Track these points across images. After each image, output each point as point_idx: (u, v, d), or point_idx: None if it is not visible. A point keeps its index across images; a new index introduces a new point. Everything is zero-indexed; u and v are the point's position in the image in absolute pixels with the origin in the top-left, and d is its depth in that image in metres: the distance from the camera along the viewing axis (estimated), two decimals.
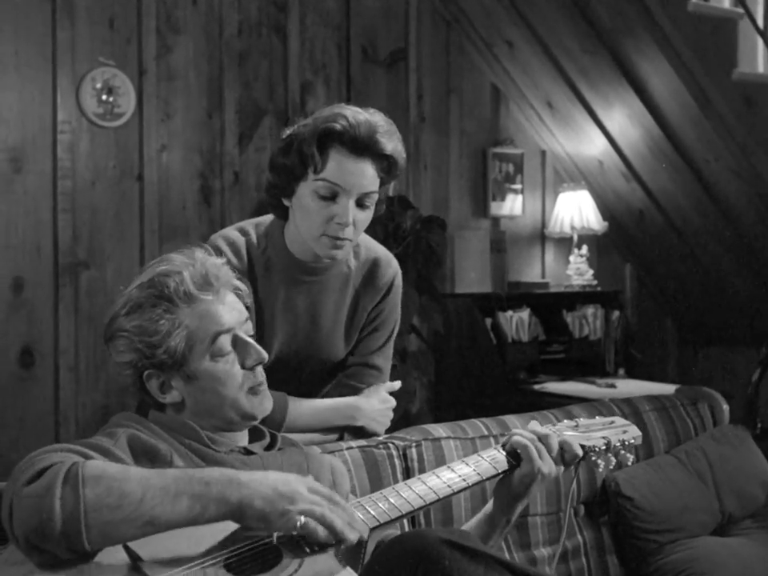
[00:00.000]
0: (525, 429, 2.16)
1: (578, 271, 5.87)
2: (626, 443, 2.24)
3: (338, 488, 2.07)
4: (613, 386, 5.18)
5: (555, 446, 2.11)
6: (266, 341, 2.42)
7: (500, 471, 2.08)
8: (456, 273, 5.62)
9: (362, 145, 2.26)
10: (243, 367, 1.96)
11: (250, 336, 2.01)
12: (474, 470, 2.05)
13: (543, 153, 6.01)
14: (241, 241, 2.44)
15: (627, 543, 2.80)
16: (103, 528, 1.57)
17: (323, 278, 2.47)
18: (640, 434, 2.29)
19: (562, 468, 2.14)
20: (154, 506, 1.59)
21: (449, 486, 1.99)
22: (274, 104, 4.93)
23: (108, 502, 1.57)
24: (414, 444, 2.58)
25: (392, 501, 1.89)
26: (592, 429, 2.26)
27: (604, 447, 2.19)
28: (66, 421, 4.34)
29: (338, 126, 2.25)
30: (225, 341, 1.94)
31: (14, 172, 4.28)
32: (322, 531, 1.65)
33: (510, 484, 2.09)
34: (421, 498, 1.93)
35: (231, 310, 1.97)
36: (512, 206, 5.89)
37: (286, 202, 2.39)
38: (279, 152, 2.35)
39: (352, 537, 1.68)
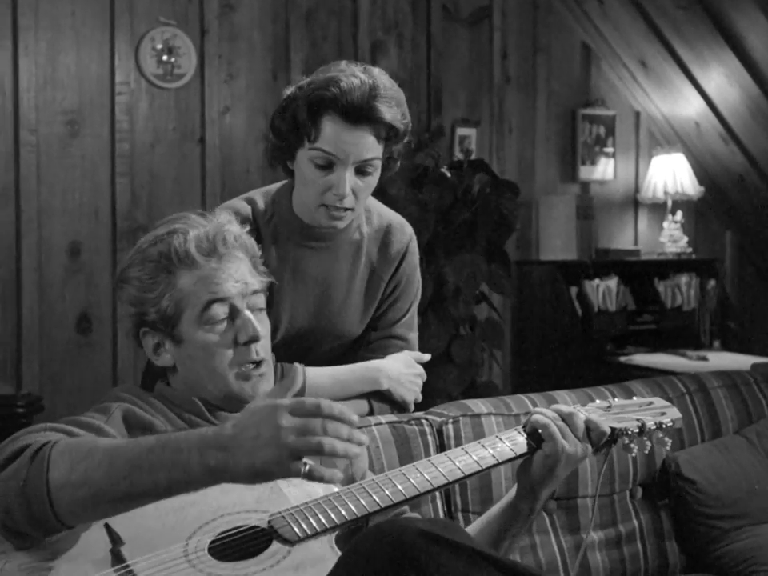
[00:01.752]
0: (548, 408, 1.99)
1: (672, 238, 5.72)
2: (664, 426, 2.06)
3: (353, 467, 1.97)
4: (704, 358, 5.03)
5: (580, 425, 1.94)
6: (276, 314, 2.33)
7: (518, 454, 1.92)
8: (540, 240, 5.52)
9: (357, 112, 2.14)
10: (236, 342, 1.85)
11: (259, 309, 1.89)
12: (491, 452, 1.90)
13: (637, 114, 5.85)
14: (247, 210, 2.34)
15: (688, 528, 2.65)
16: (71, 507, 1.51)
17: (333, 244, 2.36)
18: (680, 416, 2.12)
19: (590, 448, 1.96)
20: (123, 479, 1.49)
21: (460, 470, 1.85)
22: None
23: (73, 479, 1.51)
24: (450, 420, 2.46)
25: (398, 485, 1.75)
26: (626, 410, 2.10)
27: (637, 430, 2.03)
28: None
29: (329, 94, 2.14)
30: (218, 310, 1.84)
31: (72, 135, 4.25)
32: (326, 472, 1.49)
33: (532, 467, 1.93)
34: (429, 481, 1.79)
35: (235, 280, 1.86)
36: (603, 170, 5.76)
37: (290, 165, 2.30)
38: (277, 115, 2.26)
39: (356, 451, 1.50)
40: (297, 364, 2.30)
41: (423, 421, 2.43)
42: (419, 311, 4.24)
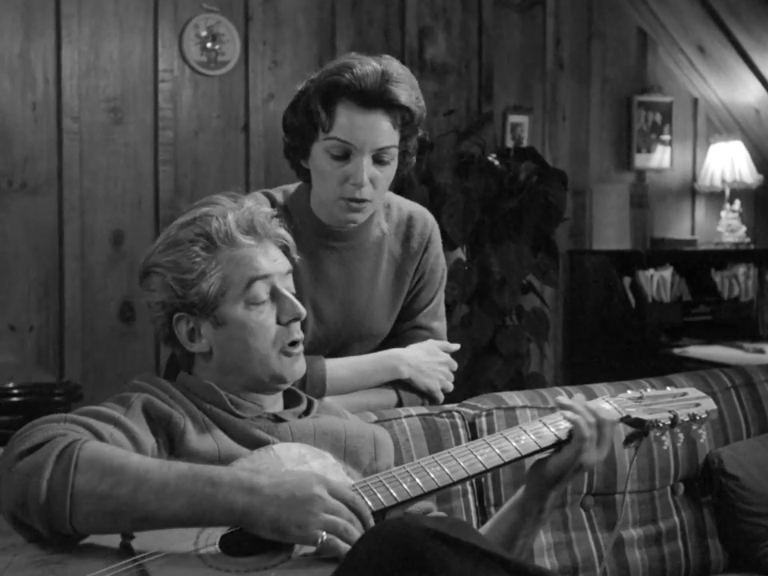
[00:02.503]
0: (586, 408, 1.91)
1: (730, 228, 5.61)
2: (698, 417, 2.01)
3: (378, 461, 1.93)
4: (762, 351, 4.93)
5: (611, 436, 1.88)
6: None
7: (542, 447, 1.85)
8: (593, 229, 5.43)
9: (372, 97, 2.10)
10: (278, 322, 1.83)
11: (292, 293, 1.87)
12: (515, 445, 1.83)
13: (695, 101, 5.75)
14: (268, 204, 2.28)
15: (731, 527, 2.57)
16: (89, 517, 1.51)
17: (354, 243, 2.32)
18: (715, 407, 2.07)
19: (604, 455, 1.90)
20: (148, 501, 1.50)
21: (481, 463, 1.79)
22: (389, 51, 4.59)
23: (99, 490, 1.50)
24: (484, 413, 2.40)
25: (416, 479, 1.70)
26: (659, 401, 2.03)
27: (669, 422, 1.96)
28: None
29: (343, 79, 2.11)
30: (261, 288, 1.82)
31: (115, 123, 4.24)
32: (343, 549, 1.50)
33: (545, 468, 1.87)
34: (448, 475, 1.74)
35: (272, 260, 1.84)
36: (660, 158, 5.66)
37: (304, 165, 2.26)
38: (289, 111, 2.22)
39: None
40: (319, 356, 2.27)
41: (455, 413, 2.38)
42: (464, 301, 4.23)
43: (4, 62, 4.02)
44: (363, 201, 2.18)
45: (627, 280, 5.19)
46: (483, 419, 2.39)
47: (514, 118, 5.18)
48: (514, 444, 1.83)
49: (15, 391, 3.36)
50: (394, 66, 2.16)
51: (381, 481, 1.67)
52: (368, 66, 2.12)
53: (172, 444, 1.74)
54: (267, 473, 1.55)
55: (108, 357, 4.23)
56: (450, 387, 2.43)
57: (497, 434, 1.86)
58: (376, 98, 2.11)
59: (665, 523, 2.55)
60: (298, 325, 1.85)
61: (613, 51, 5.48)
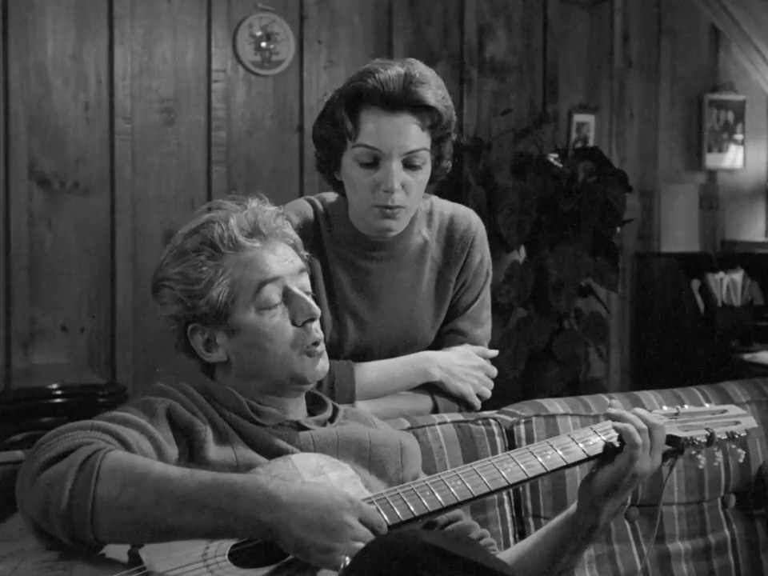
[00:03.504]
0: (634, 414, 1.84)
1: None
2: (736, 436, 1.92)
3: (404, 470, 1.88)
4: None
5: (662, 440, 1.80)
6: (342, 327, 2.27)
7: (591, 455, 1.79)
8: (662, 230, 5.31)
9: (396, 100, 2.07)
10: (294, 324, 1.78)
11: (306, 293, 1.82)
12: (560, 453, 1.77)
13: None
14: (309, 211, 2.28)
15: None
16: (111, 527, 1.49)
17: (393, 253, 2.28)
18: (755, 425, 1.98)
19: (658, 464, 1.82)
20: (170, 514, 1.48)
21: (524, 471, 1.74)
22: (447, 49, 4.72)
23: (120, 502, 1.48)
24: (522, 420, 2.33)
25: (435, 493, 1.66)
26: (695, 418, 1.95)
27: (705, 440, 1.88)
28: None
29: (366, 85, 2.08)
30: (271, 291, 1.77)
31: (167, 124, 4.24)
32: None
33: (596, 480, 1.79)
34: (469, 490, 1.68)
35: (282, 260, 1.79)
36: (732, 158, 5.54)
37: (337, 177, 2.22)
38: (317, 123, 2.20)
39: None
40: (347, 361, 2.24)
41: (491, 420, 2.30)
42: (521, 304, 4.14)
43: (57, 63, 4.04)
44: (396, 207, 2.13)
45: (696, 283, 5.09)
46: (522, 427, 2.31)
47: (579, 117, 5.10)
48: (560, 453, 1.77)
49: (59, 393, 3.36)
50: (418, 67, 2.12)
51: (399, 494, 1.62)
52: (390, 69, 2.09)
53: (191, 452, 1.70)
54: (295, 485, 1.52)
55: (159, 358, 4.20)
56: (487, 393, 2.37)
57: (537, 443, 1.81)
58: (401, 100, 2.07)
59: (714, 536, 2.44)
60: (316, 324, 1.80)
61: (683, 48, 5.37)
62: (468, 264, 2.32)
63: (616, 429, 1.79)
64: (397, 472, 1.86)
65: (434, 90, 2.11)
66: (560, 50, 5.02)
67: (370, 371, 2.25)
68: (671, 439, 1.86)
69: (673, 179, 5.37)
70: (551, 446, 1.79)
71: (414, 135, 2.10)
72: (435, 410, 2.31)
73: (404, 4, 4.62)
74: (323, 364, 1.81)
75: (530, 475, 1.74)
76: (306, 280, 1.83)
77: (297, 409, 1.84)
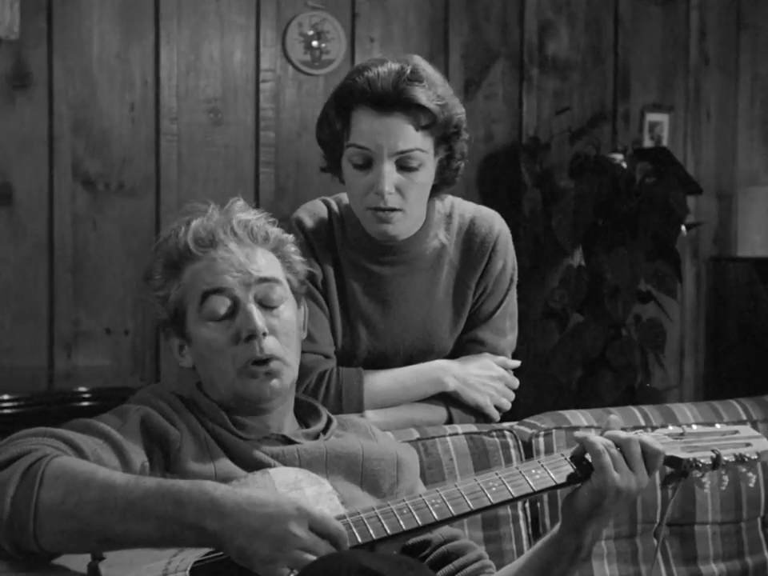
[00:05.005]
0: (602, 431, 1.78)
1: None
2: (746, 459, 1.82)
3: (399, 485, 1.83)
4: None
5: (637, 452, 1.70)
6: (354, 333, 2.23)
7: (559, 483, 1.71)
8: (739, 234, 5.14)
9: (387, 99, 2.03)
10: (239, 338, 1.72)
11: (268, 305, 1.75)
12: (528, 480, 1.69)
13: None
14: (323, 211, 2.25)
15: None
16: (54, 536, 1.46)
17: (406, 257, 2.22)
18: None
19: (647, 478, 1.72)
20: (114, 522, 1.44)
21: (488, 498, 1.65)
22: (507, 47, 4.60)
23: (63, 509, 1.45)
24: (542, 433, 2.27)
25: (413, 512, 1.59)
26: (702, 439, 1.85)
27: (710, 462, 1.78)
28: None
29: (355, 84, 2.06)
30: (217, 303, 1.73)
31: (214, 124, 4.19)
32: None
33: (577, 500, 1.70)
34: (449, 509, 1.62)
35: (236, 270, 1.74)
36: None
37: (341, 180, 2.22)
38: (317, 126, 2.20)
39: None
40: (358, 368, 2.20)
41: (506, 432, 2.23)
42: (576, 309, 4.02)
43: (102, 63, 4.02)
44: (391, 210, 2.08)
45: None
46: (541, 439, 2.24)
47: (652, 117, 4.94)
48: (527, 479, 1.68)
49: (87, 396, 3.34)
50: (415, 64, 2.07)
51: (375, 513, 1.56)
52: (382, 67, 2.05)
53: (167, 461, 1.66)
54: (243, 492, 1.46)
55: None
56: (506, 405, 2.30)
57: (512, 466, 1.75)
58: (392, 99, 2.03)
59: (752, 558, 2.37)
60: (265, 341, 1.71)
61: (764, 44, 5.15)
62: (489, 270, 2.24)
63: (582, 444, 1.70)
64: (391, 487, 1.80)
65: (428, 89, 2.04)
66: (632, 46, 4.87)
67: (381, 379, 2.20)
68: (673, 461, 1.76)
69: (752, 181, 5.17)
70: (542, 465, 1.71)
71: (406, 135, 2.04)
72: (450, 421, 2.25)
73: (460, 1, 4.52)
74: (275, 385, 1.73)
75: (516, 495, 1.66)
76: (270, 289, 1.76)
77: (282, 421, 1.79)
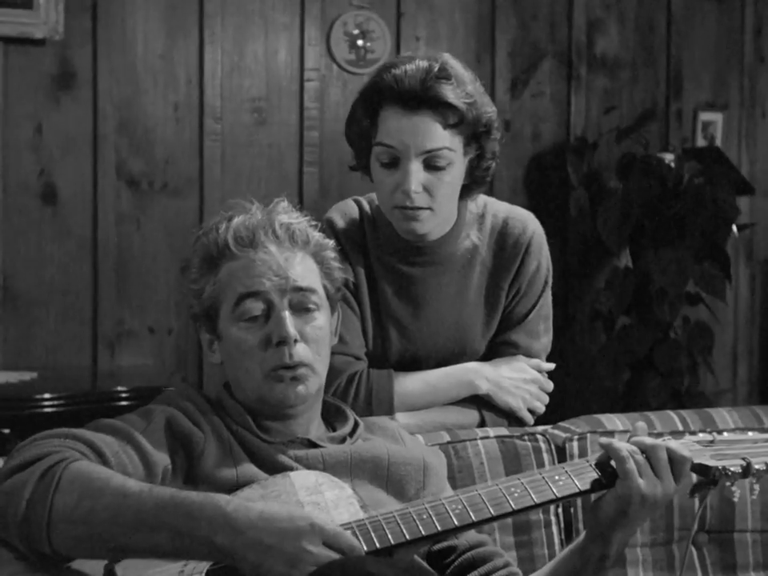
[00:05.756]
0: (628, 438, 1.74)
1: None
2: None
3: (426, 489, 1.80)
4: None
5: (664, 459, 1.66)
6: (384, 335, 2.21)
7: (583, 490, 1.67)
8: None
9: (414, 96, 2.00)
10: (269, 342, 1.71)
11: (306, 309, 1.74)
12: (551, 486, 1.66)
13: None
14: (354, 211, 2.24)
15: None
16: (67, 540, 1.46)
17: (436, 258, 2.20)
18: None
19: (673, 486, 1.67)
20: (125, 532, 1.44)
21: (510, 504, 1.62)
22: (554, 45, 4.55)
23: (76, 515, 1.45)
24: (576, 437, 2.22)
25: (433, 516, 1.57)
26: (733, 447, 1.79)
27: (740, 470, 1.72)
28: None
29: (383, 81, 2.04)
30: (253, 306, 1.73)
31: (258, 124, 4.18)
32: None
33: (601, 507, 1.67)
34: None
35: (274, 273, 1.73)
36: None
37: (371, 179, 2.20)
38: (346, 124, 2.18)
39: None
40: (388, 370, 2.18)
41: (539, 436, 2.20)
42: (622, 311, 3.96)
43: (147, 62, 4.03)
44: (418, 209, 2.05)
45: None
46: (575, 443, 2.20)
47: (705, 116, 4.86)
48: (550, 485, 1.65)
49: (129, 395, 3.34)
50: (444, 62, 2.04)
51: (395, 518, 1.53)
52: (411, 64, 2.02)
53: (190, 463, 1.66)
54: (257, 506, 1.44)
55: None
56: (540, 408, 2.27)
57: (535, 472, 1.69)
58: (420, 97, 2.00)
59: None
60: (295, 348, 1.71)
61: None
62: (522, 271, 2.21)
63: (606, 450, 1.67)
64: (417, 492, 1.77)
65: (456, 87, 2.01)
66: (685, 44, 4.80)
67: (412, 382, 2.18)
68: (701, 469, 1.71)
69: None
70: (566, 471, 1.68)
71: (434, 134, 2.01)
72: (482, 425, 2.22)
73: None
74: (300, 389, 1.71)
75: (538, 501, 1.63)
76: (305, 297, 1.74)
77: (308, 427, 1.77)
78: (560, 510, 2.17)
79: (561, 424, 2.26)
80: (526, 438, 2.17)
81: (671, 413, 2.30)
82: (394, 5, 4.33)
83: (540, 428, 2.23)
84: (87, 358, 3.94)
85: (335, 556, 1.40)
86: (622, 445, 1.65)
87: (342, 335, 2.09)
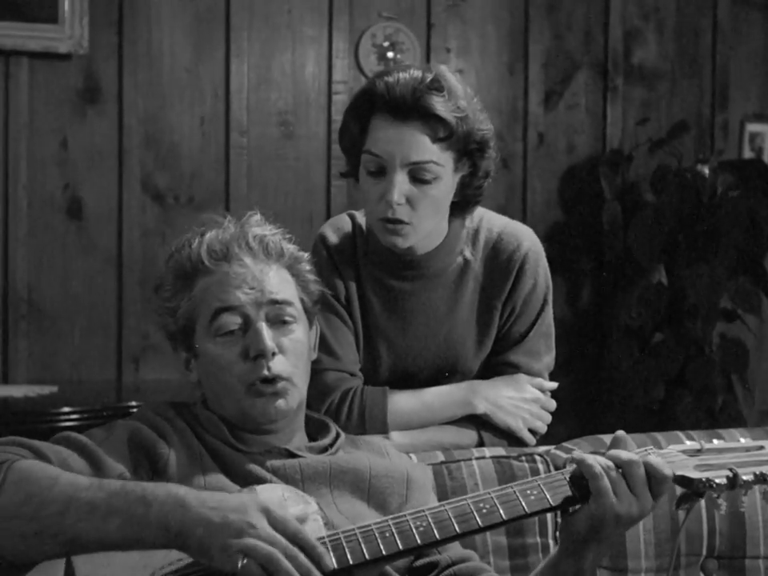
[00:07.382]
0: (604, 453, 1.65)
1: None
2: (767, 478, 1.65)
3: (408, 503, 1.76)
4: None
5: (640, 476, 1.57)
6: (374, 350, 2.19)
7: (554, 505, 1.58)
8: None
9: (404, 107, 1.97)
10: (247, 356, 1.69)
11: (282, 322, 1.74)
12: (522, 501, 1.58)
13: None
14: (348, 225, 2.21)
15: None
16: (14, 539, 1.46)
17: (428, 272, 2.16)
18: None
19: (651, 503, 1.59)
20: (77, 521, 1.43)
21: (477, 521, 1.55)
22: (590, 56, 4.48)
23: (23, 511, 1.45)
24: None
25: (396, 535, 1.51)
26: (721, 456, 1.69)
27: (726, 482, 1.62)
28: None
29: (375, 89, 2.00)
30: (229, 320, 1.72)
31: (285, 137, 4.15)
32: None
33: (574, 524, 1.59)
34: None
35: (249, 286, 1.73)
36: None
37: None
38: (339, 131, 2.14)
39: None
40: (383, 387, 2.14)
41: (537, 457, 2.14)
42: (654, 327, 3.86)
43: (173, 76, 4.02)
44: (400, 222, 2.01)
45: None
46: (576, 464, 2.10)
47: (753, 127, 4.76)
48: (522, 500, 1.57)
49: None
50: (439, 74, 2.00)
51: (356, 537, 1.48)
52: (404, 73, 1.98)
53: (155, 474, 1.64)
54: (208, 495, 1.45)
55: None
56: (542, 428, 2.21)
57: (508, 485, 1.61)
58: (409, 107, 1.96)
59: None
60: (273, 360, 1.69)
61: None
62: (516, 289, 2.15)
63: (578, 465, 1.59)
64: (400, 506, 1.73)
65: (447, 100, 1.96)
66: (731, 54, 4.70)
67: (406, 400, 2.14)
68: (684, 480, 1.61)
69: None
70: (539, 485, 1.59)
71: (421, 146, 1.97)
72: (481, 445, 2.17)
73: (542, 9, 4.41)
74: (281, 404, 1.70)
75: (506, 518, 1.55)
76: (282, 310, 1.73)
77: (289, 436, 1.75)
78: (558, 533, 2.09)
79: (563, 444, 2.19)
80: (523, 458, 2.12)
81: (679, 433, 2.22)
82: (423, 16, 4.29)
83: (541, 448, 2.17)
84: (112, 372, 3.94)
85: (279, 537, 1.38)
86: (595, 460, 1.57)
87: (335, 351, 2.09)
